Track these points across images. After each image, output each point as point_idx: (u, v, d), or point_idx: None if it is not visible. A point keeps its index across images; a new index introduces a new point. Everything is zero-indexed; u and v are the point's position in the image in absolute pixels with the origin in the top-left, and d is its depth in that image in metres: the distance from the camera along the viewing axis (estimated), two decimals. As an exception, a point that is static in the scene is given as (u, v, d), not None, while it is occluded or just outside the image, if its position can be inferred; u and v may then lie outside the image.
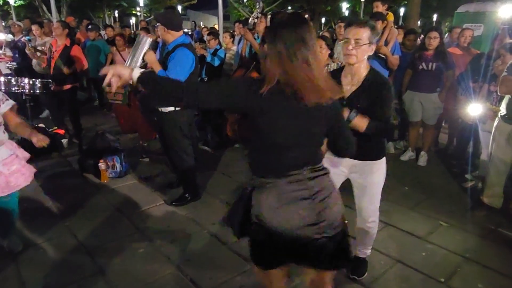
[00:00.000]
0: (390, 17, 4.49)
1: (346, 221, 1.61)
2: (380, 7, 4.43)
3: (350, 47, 1.94)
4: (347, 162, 2.17)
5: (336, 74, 2.11)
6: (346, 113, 1.89)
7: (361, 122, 1.92)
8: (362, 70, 2.02)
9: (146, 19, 20.82)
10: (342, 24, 4.32)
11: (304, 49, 1.36)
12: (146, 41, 2.87)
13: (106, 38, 8.02)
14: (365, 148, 2.01)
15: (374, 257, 2.68)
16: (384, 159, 2.25)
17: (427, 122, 4.52)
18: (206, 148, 5.03)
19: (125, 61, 4.45)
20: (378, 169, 2.23)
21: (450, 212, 3.42)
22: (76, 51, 5.01)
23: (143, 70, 1.50)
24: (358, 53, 1.94)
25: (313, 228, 1.48)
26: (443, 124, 5.26)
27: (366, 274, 2.52)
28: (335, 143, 1.66)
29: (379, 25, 4.16)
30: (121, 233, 3.02)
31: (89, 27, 7.79)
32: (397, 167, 4.53)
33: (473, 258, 2.74)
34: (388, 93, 2.01)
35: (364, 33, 1.92)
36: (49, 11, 13.68)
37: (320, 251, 1.51)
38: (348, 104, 1.98)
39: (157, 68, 2.96)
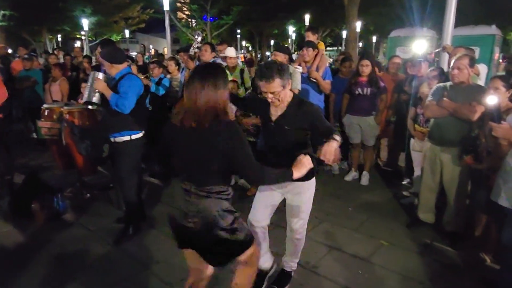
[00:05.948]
0: (321, 45, 4.77)
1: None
2: (311, 37, 4.71)
3: (270, 99, 2.22)
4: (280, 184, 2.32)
5: (267, 101, 2.31)
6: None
7: None
8: (287, 97, 2.29)
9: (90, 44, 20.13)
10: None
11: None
12: (96, 76, 3.18)
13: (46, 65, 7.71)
14: None
15: (321, 284, 2.73)
16: (313, 179, 2.45)
17: (366, 143, 4.76)
18: (153, 179, 4.89)
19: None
20: (308, 189, 2.45)
21: (390, 230, 3.59)
22: None
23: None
24: (279, 98, 2.21)
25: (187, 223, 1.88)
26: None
27: (287, 286, 2.69)
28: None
29: (310, 52, 4.41)
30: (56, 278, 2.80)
31: (26, 56, 7.43)
32: (342, 187, 4.69)
33: (412, 276, 2.86)
34: (316, 110, 2.32)
35: (275, 85, 2.15)
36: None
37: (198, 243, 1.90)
38: (276, 126, 2.31)
39: (108, 94, 3.13)
